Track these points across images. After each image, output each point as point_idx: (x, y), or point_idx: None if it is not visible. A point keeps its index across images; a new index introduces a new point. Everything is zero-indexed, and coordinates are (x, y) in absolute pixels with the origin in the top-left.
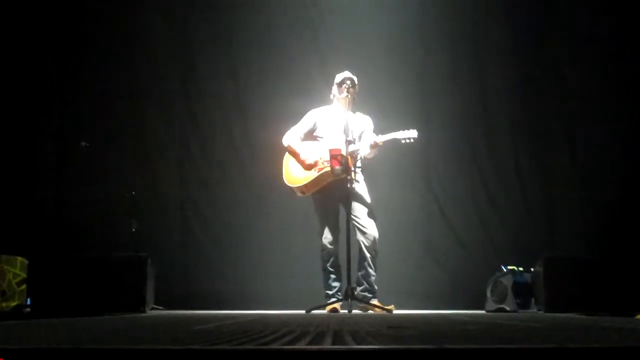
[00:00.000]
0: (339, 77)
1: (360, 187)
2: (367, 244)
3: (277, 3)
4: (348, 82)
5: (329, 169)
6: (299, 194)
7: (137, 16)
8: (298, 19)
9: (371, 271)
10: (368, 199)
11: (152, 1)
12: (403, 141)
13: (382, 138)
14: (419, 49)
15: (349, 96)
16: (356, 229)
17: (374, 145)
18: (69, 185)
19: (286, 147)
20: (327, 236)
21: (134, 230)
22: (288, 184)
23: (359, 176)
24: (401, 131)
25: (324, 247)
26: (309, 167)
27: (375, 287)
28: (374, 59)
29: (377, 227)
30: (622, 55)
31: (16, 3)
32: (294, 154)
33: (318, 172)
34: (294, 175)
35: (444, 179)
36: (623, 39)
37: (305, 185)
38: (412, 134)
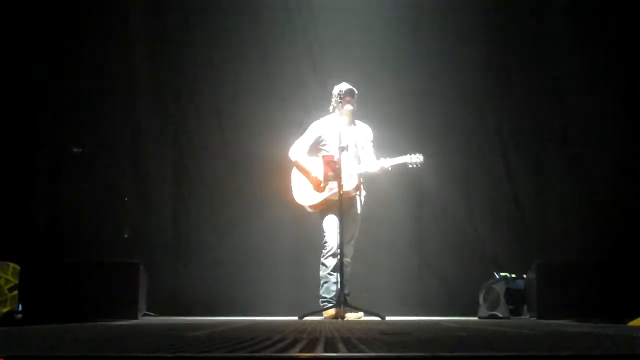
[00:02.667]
0: (343, 90)
1: (358, 208)
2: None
3: (269, 11)
4: (349, 96)
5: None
6: (309, 210)
7: (132, 20)
8: (290, 27)
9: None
10: (358, 225)
11: (147, 6)
12: (410, 166)
13: (390, 162)
14: (412, 54)
15: (352, 108)
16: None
17: (382, 170)
18: (61, 192)
19: (294, 162)
20: (334, 242)
21: (126, 236)
22: (299, 202)
23: (362, 193)
24: (408, 155)
25: (329, 251)
26: (318, 186)
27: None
28: (368, 66)
29: (371, 236)
30: (620, 54)
31: (13, 4)
32: (305, 172)
33: (329, 191)
34: (303, 194)
35: (436, 187)
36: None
37: (317, 204)
38: (419, 158)
